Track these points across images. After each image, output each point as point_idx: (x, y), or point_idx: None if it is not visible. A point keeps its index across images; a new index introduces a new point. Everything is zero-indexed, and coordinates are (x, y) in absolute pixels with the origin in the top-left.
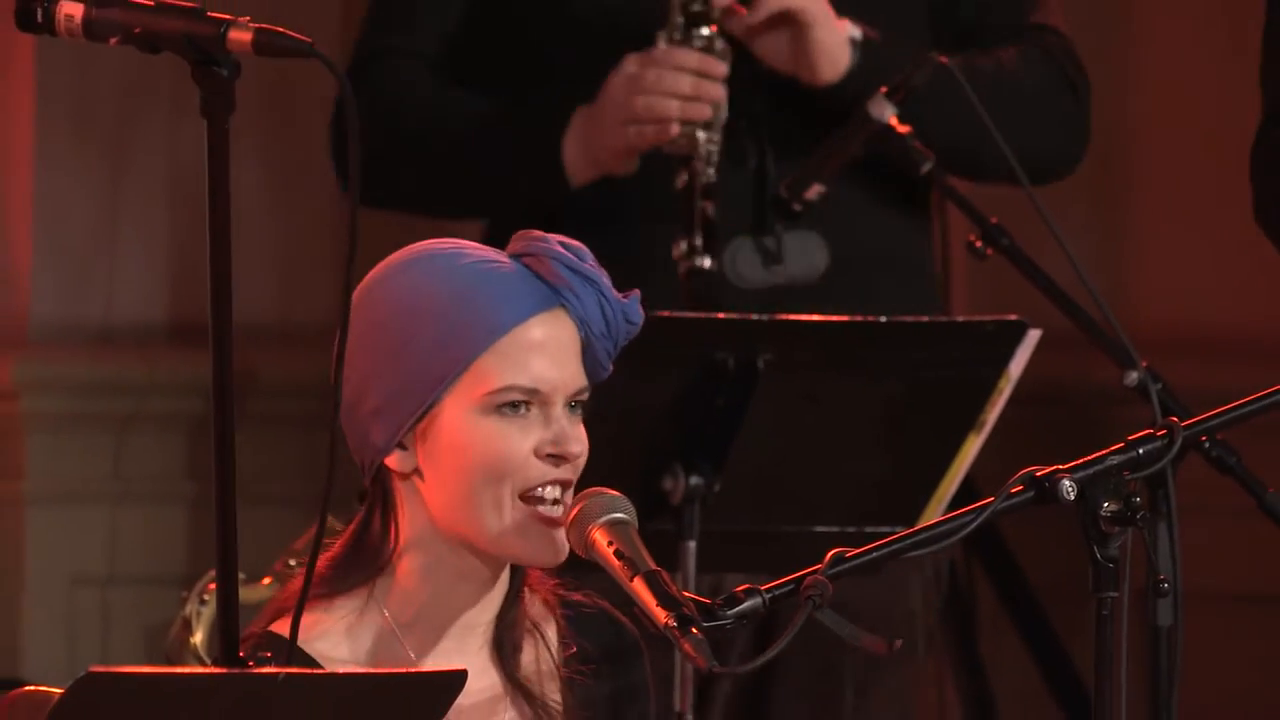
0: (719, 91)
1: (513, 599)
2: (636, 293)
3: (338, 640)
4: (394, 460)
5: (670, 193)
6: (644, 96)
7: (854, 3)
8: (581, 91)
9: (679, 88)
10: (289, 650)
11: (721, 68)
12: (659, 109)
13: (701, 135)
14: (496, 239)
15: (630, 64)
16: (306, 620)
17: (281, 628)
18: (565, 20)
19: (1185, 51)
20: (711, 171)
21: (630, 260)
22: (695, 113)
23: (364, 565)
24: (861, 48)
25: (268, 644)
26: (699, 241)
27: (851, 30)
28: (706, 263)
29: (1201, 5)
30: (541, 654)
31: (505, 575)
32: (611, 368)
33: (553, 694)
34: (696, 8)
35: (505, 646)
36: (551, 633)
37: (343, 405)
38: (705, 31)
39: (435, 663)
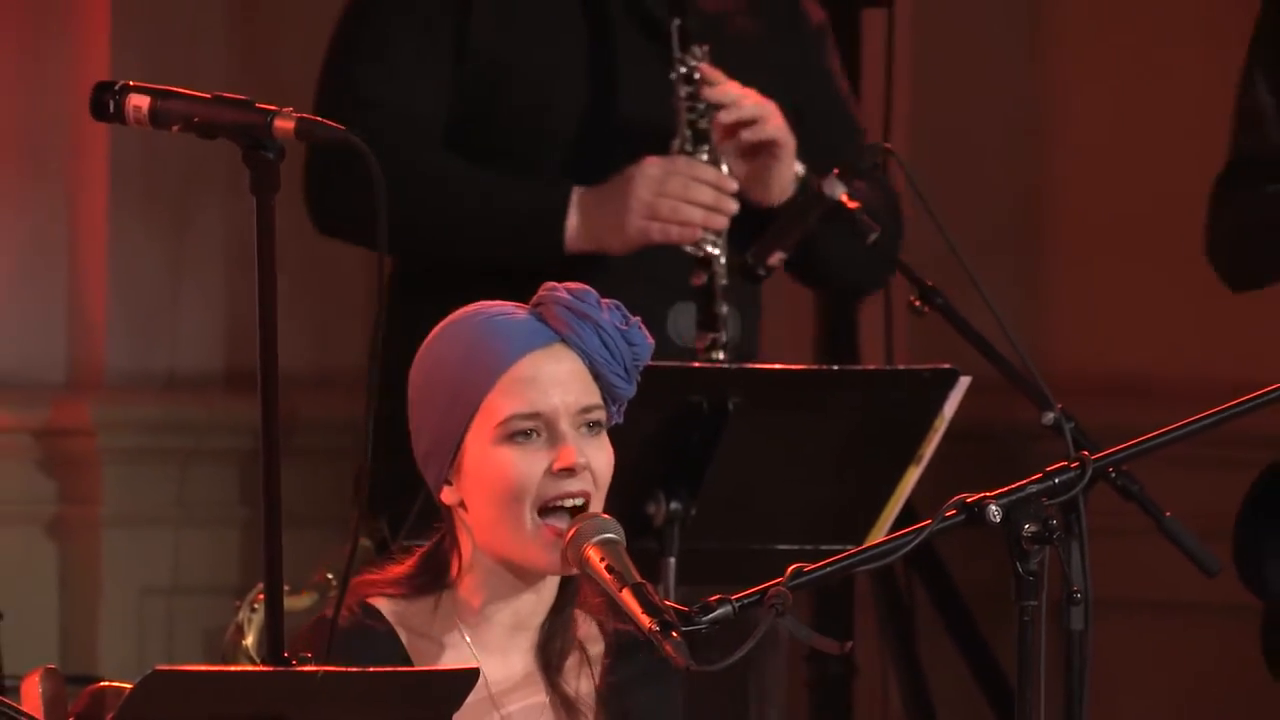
0: (732, 205)
1: (559, 609)
2: (637, 319)
3: (420, 623)
4: (445, 495)
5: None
6: (670, 200)
7: None
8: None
9: (703, 198)
10: (328, 644)
11: (731, 184)
12: (684, 214)
13: (719, 242)
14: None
15: (653, 167)
16: (395, 606)
17: (380, 604)
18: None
19: (1100, 119)
20: (725, 277)
21: None
22: (716, 222)
23: (433, 578)
24: (803, 181)
25: (364, 612)
26: (723, 338)
27: (798, 167)
28: (722, 356)
29: (1116, 73)
30: (584, 667)
31: (553, 587)
32: (634, 386)
33: (585, 697)
34: (703, 125)
35: (549, 649)
36: (595, 651)
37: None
38: (706, 145)
39: (491, 655)
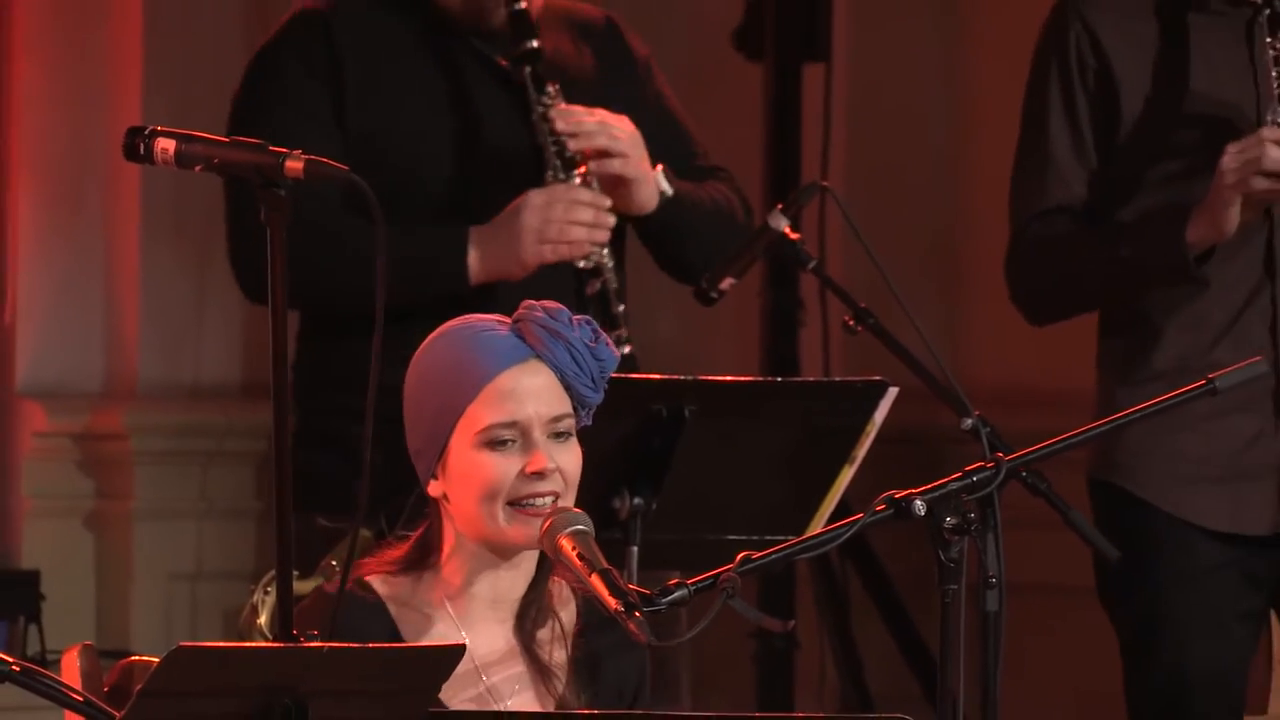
0: (610, 219)
1: (535, 584)
2: (604, 336)
3: (408, 597)
4: (432, 488)
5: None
6: (556, 224)
7: None
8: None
9: (584, 217)
10: (334, 614)
11: (605, 200)
12: (571, 234)
13: (605, 253)
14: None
15: (537, 197)
16: (387, 583)
17: (373, 580)
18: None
19: (1011, 156)
20: (615, 280)
21: None
22: (599, 236)
23: (422, 559)
24: (664, 197)
25: (358, 586)
26: (624, 333)
27: (661, 182)
28: (628, 349)
29: None
30: (558, 638)
31: (530, 565)
32: (601, 395)
33: (559, 662)
34: (568, 154)
35: (526, 619)
36: (566, 616)
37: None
38: (579, 172)
39: (473, 628)
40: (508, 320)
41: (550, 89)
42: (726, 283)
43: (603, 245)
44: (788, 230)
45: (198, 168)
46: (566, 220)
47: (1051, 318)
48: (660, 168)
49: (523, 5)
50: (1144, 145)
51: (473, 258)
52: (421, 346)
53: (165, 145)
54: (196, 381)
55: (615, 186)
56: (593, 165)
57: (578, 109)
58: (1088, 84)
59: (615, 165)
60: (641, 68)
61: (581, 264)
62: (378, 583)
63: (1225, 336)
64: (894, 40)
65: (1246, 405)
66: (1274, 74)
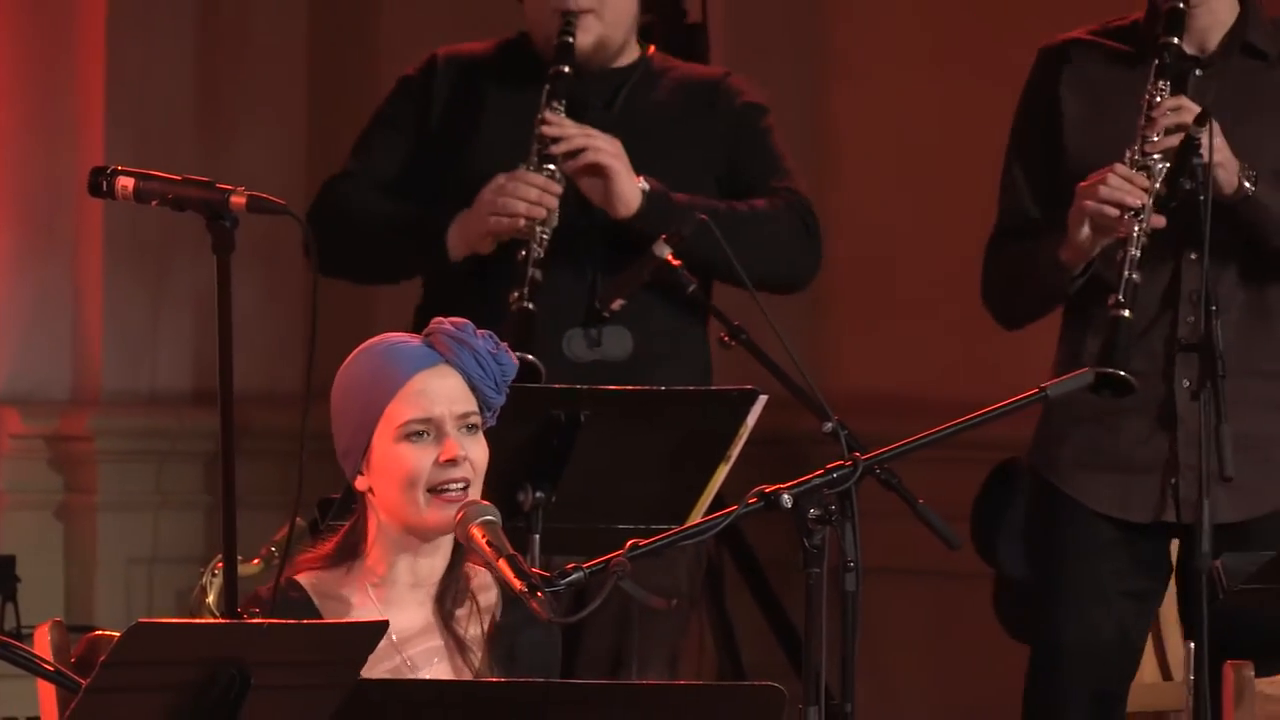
0: (553, 201)
1: (452, 568)
2: (505, 345)
3: (328, 588)
4: (359, 483)
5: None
6: (503, 199)
7: (663, 167)
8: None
9: (527, 195)
10: (273, 600)
11: (556, 187)
12: (511, 207)
13: (538, 228)
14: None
15: (498, 178)
16: (312, 576)
17: (301, 578)
18: (466, 170)
19: (875, 194)
20: (540, 251)
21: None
22: (534, 212)
23: (350, 550)
24: (649, 196)
25: (288, 586)
26: (526, 291)
27: (643, 183)
28: (530, 306)
29: (895, 158)
30: (474, 615)
31: (448, 550)
32: (504, 396)
33: (475, 639)
34: (546, 151)
35: (446, 599)
36: (487, 601)
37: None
38: (551, 165)
39: (393, 609)
40: (418, 336)
41: (556, 104)
42: (617, 303)
43: (539, 221)
44: (670, 257)
45: (154, 202)
46: (513, 196)
47: (1012, 322)
48: (642, 178)
49: (570, 40)
50: (1078, 176)
51: (451, 234)
52: (345, 362)
53: (125, 183)
54: (153, 390)
55: (597, 181)
56: (570, 162)
57: (566, 120)
58: (1051, 123)
59: (590, 156)
60: (737, 114)
61: (515, 235)
62: (307, 580)
63: (1134, 348)
64: (763, 79)
65: (1146, 405)
66: (1144, 114)
